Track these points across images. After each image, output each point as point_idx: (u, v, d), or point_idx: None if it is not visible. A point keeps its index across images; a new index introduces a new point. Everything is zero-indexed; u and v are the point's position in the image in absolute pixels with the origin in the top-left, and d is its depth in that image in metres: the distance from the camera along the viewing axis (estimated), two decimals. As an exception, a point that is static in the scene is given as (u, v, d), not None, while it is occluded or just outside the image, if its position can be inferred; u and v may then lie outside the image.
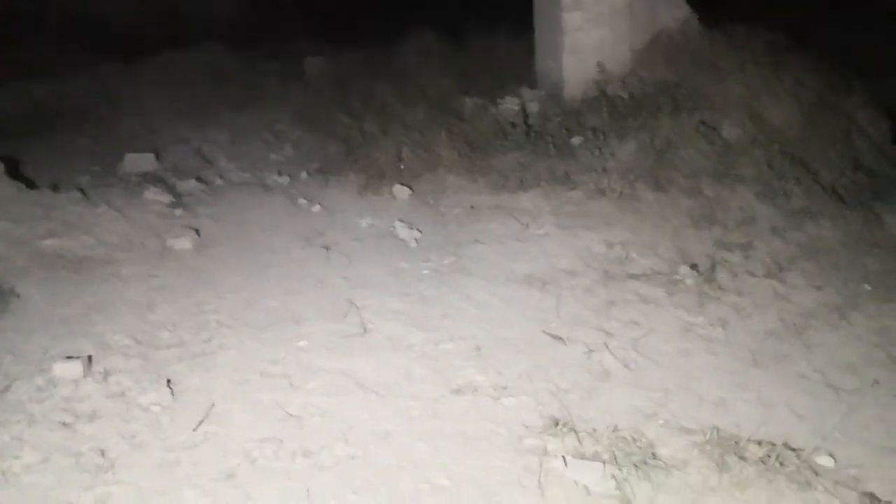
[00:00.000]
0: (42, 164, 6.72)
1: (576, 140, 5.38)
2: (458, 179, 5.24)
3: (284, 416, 2.81)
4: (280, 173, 5.96)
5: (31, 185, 5.64)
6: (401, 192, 5.13)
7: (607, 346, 3.12)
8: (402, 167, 5.50)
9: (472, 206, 4.79)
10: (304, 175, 5.86)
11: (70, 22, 12.77)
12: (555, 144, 5.29)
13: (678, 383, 2.96)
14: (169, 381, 3.08)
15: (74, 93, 9.37)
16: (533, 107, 5.98)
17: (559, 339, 3.18)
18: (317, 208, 5.08)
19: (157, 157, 6.43)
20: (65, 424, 2.88)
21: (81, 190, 5.37)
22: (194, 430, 2.78)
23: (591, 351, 3.08)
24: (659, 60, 5.88)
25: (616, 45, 6.06)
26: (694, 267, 3.77)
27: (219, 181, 5.89)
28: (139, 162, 6.28)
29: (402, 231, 4.48)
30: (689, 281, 3.63)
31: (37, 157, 6.99)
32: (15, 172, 6.04)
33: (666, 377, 3.00)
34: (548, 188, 4.77)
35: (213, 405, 2.91)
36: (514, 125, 5.69)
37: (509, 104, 6.12)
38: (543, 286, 3.64)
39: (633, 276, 3.70)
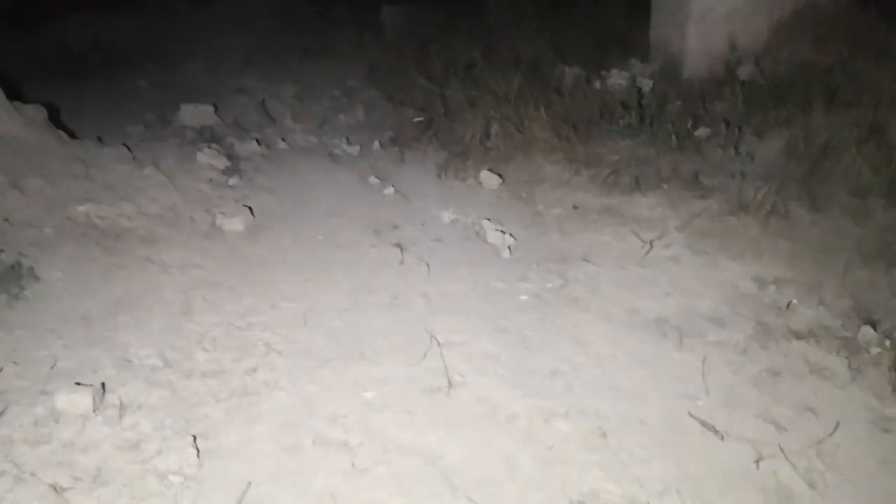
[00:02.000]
0: (93, 108, 5.97)
1: (702, 132, 4.33)
2: (556, 169, 4.27)
3: (342, 520, 2.00)
4: (349, 141, 5.07)
5: (74, 135, 4.90)
6: (489, 179, 4.19)
7: (782, 450, 2.19)
8: (489, 146, 4.55)
9: (575, 207, 3.84)
10: (375, 145, 4.96)
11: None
12: (677, 135, 4.25)
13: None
14: (196, 438, 2.28)
15: (142, 28, 8.58)
16: (645, 84, 4.92)
17: (713, 430, 2.26)
18: (390, 191, 4.19)
19: (217, 109, 5.61)
20: (57, 490, 2.11)
21: (127, 146, 4.57)
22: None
23: (760, 457, 2.16)
24: (805, 38, 4.74)
25: (751, 15, 4.92)
26: (876, 326, 2.79)
27: (281, 144, 5.03)
28: (197, 114, 5.46)
29: (492, 234, 3.57)
30: (874, 349, 2.66)
31: (89, 100, 6.25)
32: (60, 118, 5.30)
33: None
34: (672, 192, 3.78)
35: (249, 485, 2.10)
36: (624, 106, 4.66)
37: (617, 78, 5.07)
38: (681, 338, 2.71)
39: (797, 335, 2.74)
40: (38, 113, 4.58)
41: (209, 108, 5.49)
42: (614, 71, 5.17)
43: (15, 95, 4.49)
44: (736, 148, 4.07)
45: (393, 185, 4.25)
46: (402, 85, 5.98)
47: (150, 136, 5.13)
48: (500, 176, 4.21)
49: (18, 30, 8.42)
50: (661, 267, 3.18)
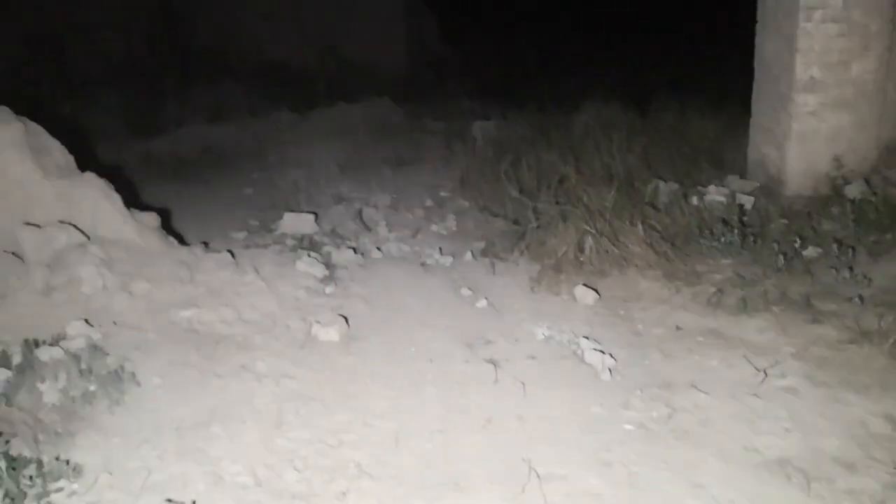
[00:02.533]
0: (203, 213, 6.26)
1: (811, 252, 4.09)
2: (654, 286, 4.10)
3: None
4: (441, 251, 5.07)
5: (183, 239, 5.11)
6: (584, 294, 4.05)
7: None
8: (582, 260, 4.44)
9: (678, 328, 3.64)
10: (467, 256, 4.93)
11: (257, 66, 12.91)
12: (784, 254, 4.03)
13: None
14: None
15: (247, 137, 9.11)
16: (746, 201, 4.74)
17: None
18: (482, 303, 4.11)
19: (317, 217, 5.76)
20: None
21: (231, 252, 4.71)
22: None
23: None
24: (918, 158, 4.51)
25: (858, 134, 4.74)
26: None
27: (376, 253, 5.08)
28: (298, 223, 5.62)
29: (590, 353, 3.40)
30: None
31: (199, 204, 6.57)
32: (171, 223, 5.57)
33: None
34: (782, 316, 3.53)
35: None
36: (724, 222, 4.49)
37: (715, 195, 4.93)
38: (808, 485, 2.42)
39: (945, 487, 2.41)
40: (152, 220, 4.80)
41: (310, 217, 5.65)
42: (711, 187, 5.03)
43: (132, 200, 4.75)
44: (850, 270, 3.81)
45: (485, 298, 4.17)
46: (493, 196, 6.02)
47: (253, 243, 5.28)
48: (596, 291, 4.07)
49: (138, 136, 9.12)
50: (779, 399, 2.91)
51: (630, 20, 14.22)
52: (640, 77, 10.02)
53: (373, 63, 12.14)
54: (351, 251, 4.98)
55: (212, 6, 13.79)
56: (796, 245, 4.10)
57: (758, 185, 4.97)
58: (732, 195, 4.88)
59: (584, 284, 4.11)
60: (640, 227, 4.33)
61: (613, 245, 4.40)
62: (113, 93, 10.55)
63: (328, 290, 4.37)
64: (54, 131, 4.54)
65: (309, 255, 4.84)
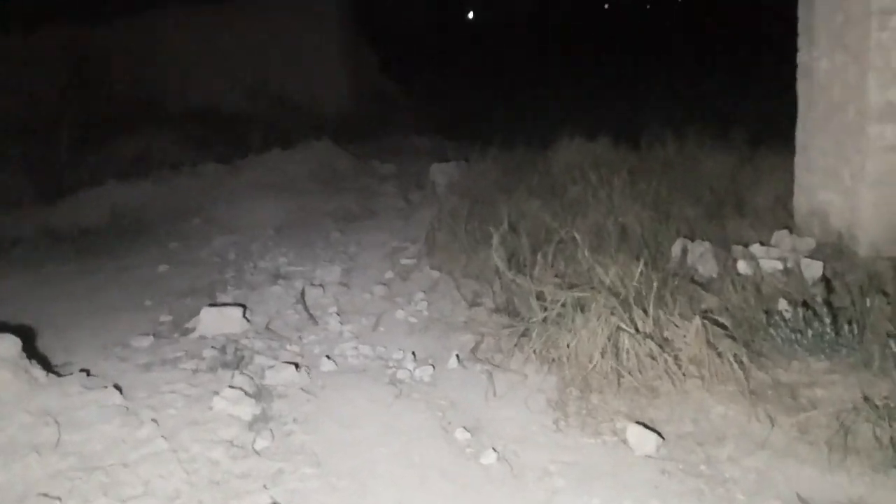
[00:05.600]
0: (101, 305, 4.62)
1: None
2: (735, 413, 2.71)
3: None
4: (415, 356, 3.61)
5: (55, 368, 3.54)
6: (641, 438, 2.62)
7: None
8: (620, 372, 3.04)
9: (801, 499, 2.27)
10: (451, 362, 3.47)
11: (184, 111, 11.28)
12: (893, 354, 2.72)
13: None
14: None
15: (169, 197, 7.47)
16: (812, 267, 3.44)
17: None
18: (490, 458, 2.64)
19: (245, 310, 4.24)
20: None
21: (119, 389, 3.17)
22: None
23: None
24: None
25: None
26: None
27: (326, 364, 3.57)
28: (220, 321, 4.08)
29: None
30: None
31: (100, 291, 4.94)
32: (56, 329, 4.02)
33: None
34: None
35: None
36: (804, 303, 3.17)
37: (766, 258, 3.61)
38: None
39: None
40: (9, 348, 3.23)
41: (236, 313, 4.11)
42: (756, 247, 3.72)
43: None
44: None
45: (492, 446, 2.72)
46: (469, 263, 4.60)
47: (159, 359, 3.72)
48: (657, 432, 2.66)
49: (41, 200, 7.41)
50: None
51: (606, 38, 12.98)
52: (624, 103, 8.76)
53: (311, 101, 10.64)
54: (292, 367, 3.47)
55: (132, 50, 12.09)
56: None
57: (814, 242, 3.68)
58: (788, 259, 3.58)
59: (637, 422, 2.69)
60: (697, 319, 2.96)
61: (660, 346, 3.02)
62: (18, 150, 8.78)
63: (259, 443, 2.85)
64: None
65: (233, 379, 3.33)
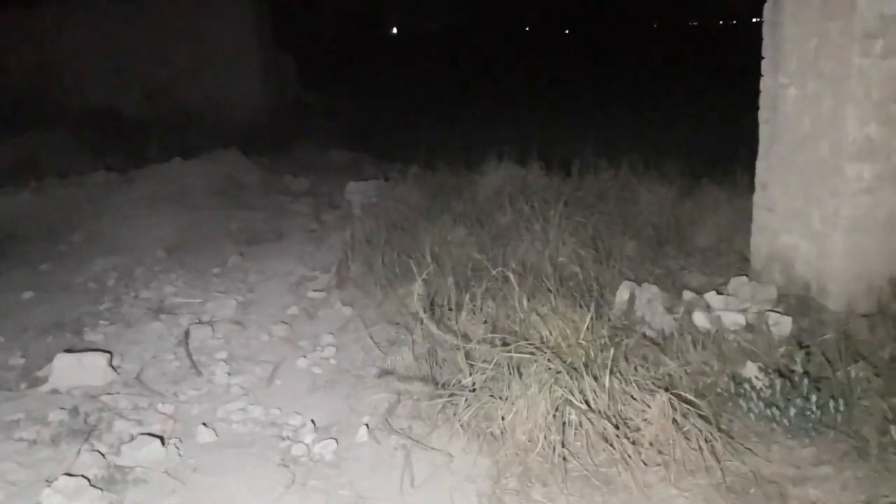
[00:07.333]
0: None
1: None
2: (706, 513, 2.16)
3: None
4: (316, 425, 2.86)
5: None
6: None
7: None
8: (566, 453, 2.41)
9: None
10: (361, 434, 2.75)
11: (80, 111, 10.04)
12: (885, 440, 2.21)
13: None
14: None
15: (50, 210, 6.40)
16: (780, 323, 2.93)
17: None
18: (406, 584, 1.97)
19: (112, 356, 3.39)
20: None
21: None
22: None
23: None
24: None
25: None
26: None
27: (204, 434, 2.77)
28: (78, 372, 3.23)
29: None
30: None
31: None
32: None
33: None
34: None
35: None
36: (762, 366, 2.65)
37: (725, 310, 3.10)
38: None
39: None
40: None
41: (99, 361, 3.26)
42: (711, 295, 3.21)
43: None
44: None
45: (410, 564, 2.02)
46: (387, 304, 3.91)
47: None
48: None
49: None
50: None
51: (541, 55, 12.54)
52: (551, 125, 8.27)
53: (221, 107, 9.65)
54: (158, 442, 2.66)
55: (27, 38, 10.73)
56: (882, 407, 2.32)
57: (776, 291, 3.19)
58: (748, 310, 3.07)
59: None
60: (663, 394, 2.37)
61: (613, 423, 2.42)
62: None
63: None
64: None
65: (78, 458, 2.51)
